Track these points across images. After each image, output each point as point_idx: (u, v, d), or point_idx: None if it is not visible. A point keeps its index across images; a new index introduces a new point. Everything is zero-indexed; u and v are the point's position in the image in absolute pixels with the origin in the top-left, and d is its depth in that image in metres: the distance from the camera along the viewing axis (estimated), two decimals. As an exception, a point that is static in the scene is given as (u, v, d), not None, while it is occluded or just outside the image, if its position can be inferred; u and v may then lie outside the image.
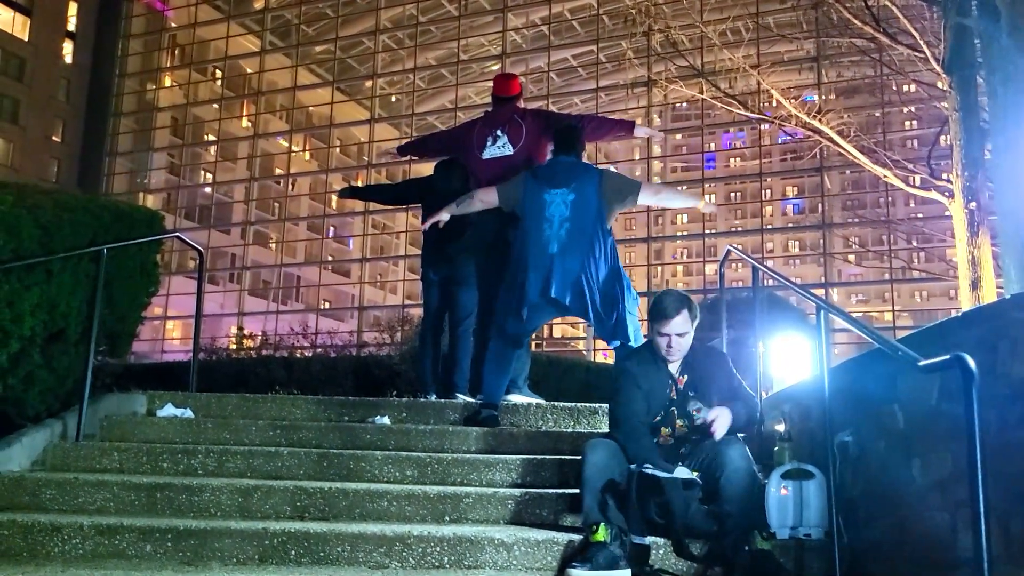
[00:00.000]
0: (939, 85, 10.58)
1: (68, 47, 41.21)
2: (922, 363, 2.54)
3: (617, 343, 4.78)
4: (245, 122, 40.23)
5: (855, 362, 3.65)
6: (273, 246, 40.19)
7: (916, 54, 10.04)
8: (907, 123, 36.02)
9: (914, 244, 29.36)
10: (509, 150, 5.59)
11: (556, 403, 5.26)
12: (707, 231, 35.35)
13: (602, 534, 3.23)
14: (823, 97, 25.01)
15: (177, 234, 6.94)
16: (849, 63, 23.51)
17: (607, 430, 3.98)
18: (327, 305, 41.52)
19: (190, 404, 5.21)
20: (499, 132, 5.65)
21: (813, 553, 3.39)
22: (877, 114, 26.41)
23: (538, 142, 5.58)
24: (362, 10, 36.82)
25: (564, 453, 4.37)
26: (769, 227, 48.06)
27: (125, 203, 6.42)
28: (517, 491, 3.85)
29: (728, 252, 5.59)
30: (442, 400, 5.60)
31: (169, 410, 5.10)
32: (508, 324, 4.91)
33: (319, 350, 15.75)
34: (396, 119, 36.99)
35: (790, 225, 56.52)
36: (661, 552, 3.36)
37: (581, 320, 5.35)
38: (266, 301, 38.45)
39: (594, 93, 32.39)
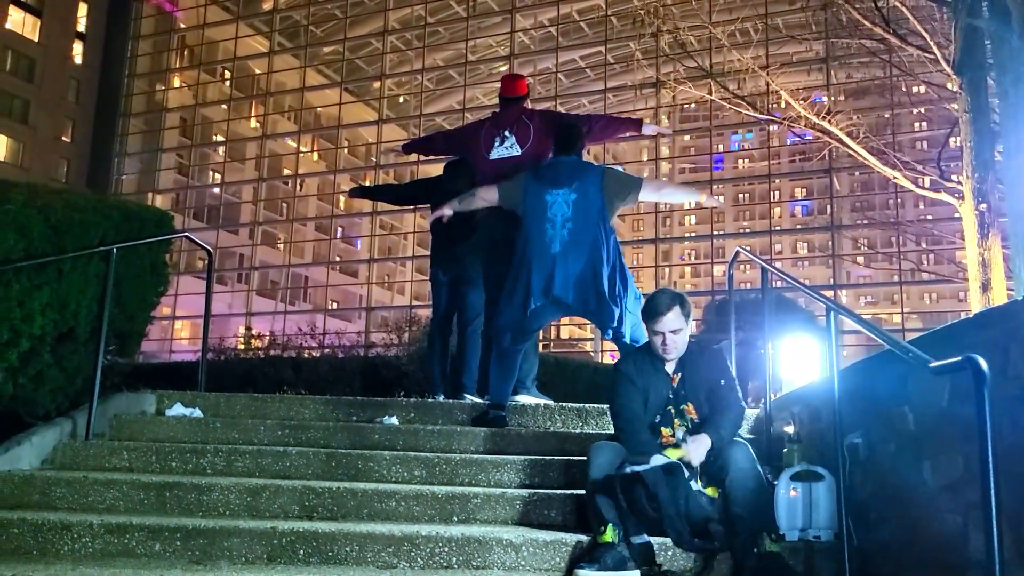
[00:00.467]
0: (949, 86, 10.54)
1: (78, 48, 41.37)
2: (933, 364, 2.53)
3: (611, 334, 4.78)
4: (253, 123, 40.29)
5: (865, 364, 3.64)
6: (281, 246, 40.27)
7: (926, 55, 10.00)
8: (917, 124, 35.96)
9: (923, 246, 29.20)
10: (516, 151, 5.59)
11: (564, 404, 5.26)
12: (715, 232, 35.27)
13: (610, 535, 3.23)
14: (832, 98, 24.93)
15: (186, 234, 6.96)
16: (858, 64, 23.45)
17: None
18: (335, 306, 41.59)
19: (199, 404, 5.23)
20: (506, 133, 5.65)
21: (823, 555, 3.38)
22: (887, 115, 26.29)
23: (545, 143, 5.56)
24: (370, 11, 36.84)
25: (572, 454, 4.36)
26: (778, 228, 48.07)
27: (135, 203, 6.44)
28: (525, 492, 3.85)
29: (737, 253, 5.58)
30: (450, 401, 5.60)
31: (178, 409, 5.12)
32: (511, 324, 4.91)
33: (327, 350, 15.81)
34: (404, 120, 37.02)
35: (799, 227, 56.51)
36: (670, 553, 3.35)
37: (588, 321, 5.35)
38: (274, 301, 38.51)
39: (602, 94, 32.31)
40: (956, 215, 9.54)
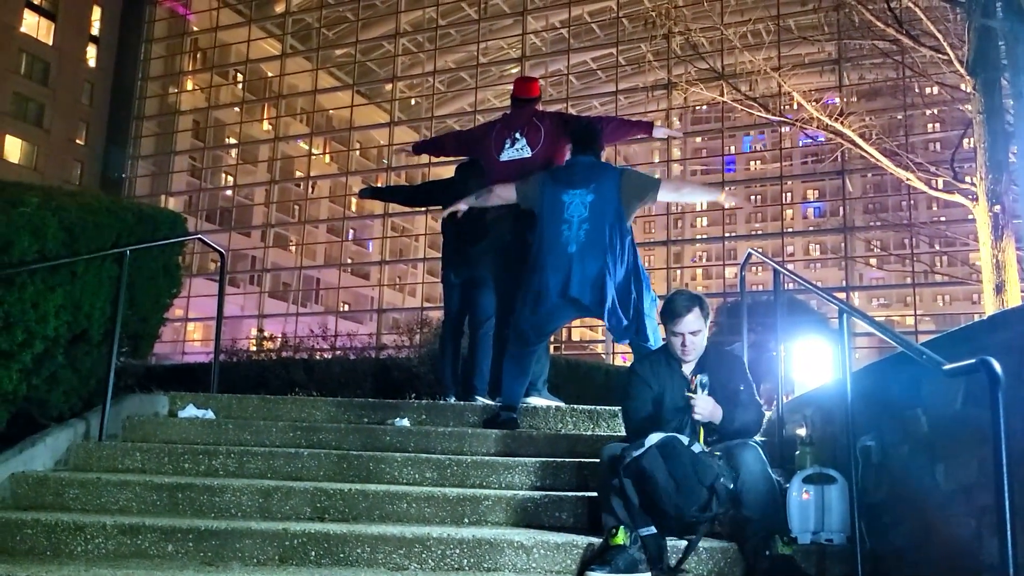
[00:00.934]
0: (963, 87, 10.49)
1: (92, 51, 41.63)
2: (947, 367, 2.52)
3: (626, 340, 4.78)
4: (266, 125, 40.46)
5: (878, 366, 3.62)
6: (293, 248, 40.41)
7: (939, 56, 9.95)
8: (930, 126, 35.78)
9: (937, 248, 29.07)
10: (527, 153, 5.58)
11: (575, 406, 5.26)
12: (727, 234, 35.17)
13: (622, 537, 3.22)
14: (845, 100, 24.83)
15: (199, 236, 6.98)
16: (871, 65, 23.33)
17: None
18: (346, 307, 41.69)
19: (211, 405, 5.24)
20: (517, 135, 5.64)
21: (835, 558, 3.36)
22: (899, 117, 26.19)
23: (556, 145, 5.56)
24: (382, 14, 36.96)
25: (583, 456, 4.36)
26: (790, 230, 47.87)
27: (148, 205, 6.47)
28: (536, 494, 3.84)
29: (749, 255, 5.57)
30: (461, 402, 5.60)
31: (191, 411, 5.13)
32: (526, 325, 4.91)
33: (339, 352, 15.83)
34: (415, 122, 37.09)
35: (811, 228, 56.27)
36: (693, 559, 3.34)
37: (600, 323, 5.34)
38: (286, 303, 38.63)
39: (613, 96, 32.32)
40: (970, 217, 9.50)
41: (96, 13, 41.79)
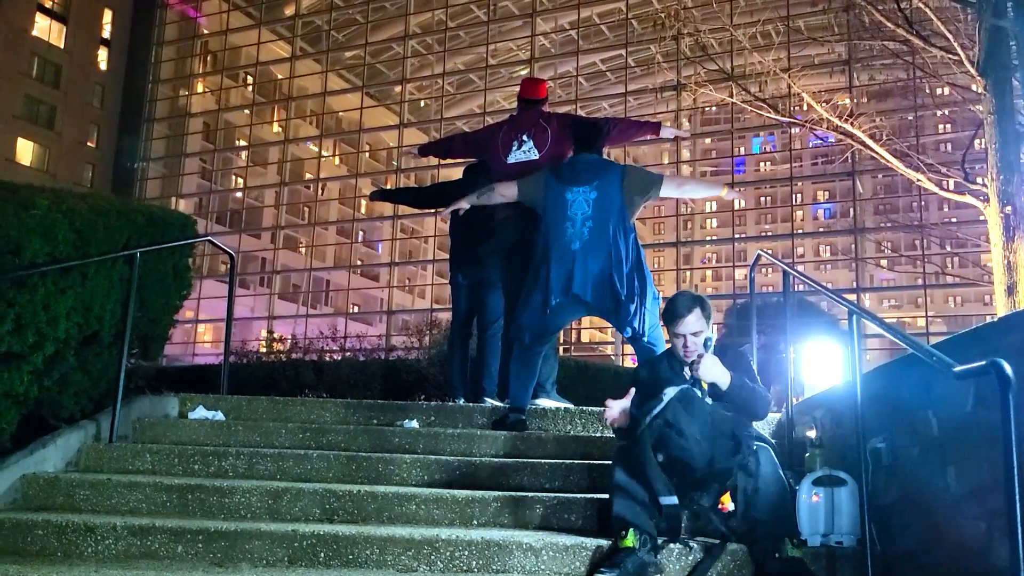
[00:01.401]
0: (974, 88, 10.46)
1: (103, 54, 41.82)
2: (957, 369, 2.51)
3: (630, 336, 4.77)
4: (276, 127, 40.57)
5: (888, 368, 3.61)
6: (303, 250, 40.48)
7: (950, 56, 9.91)
8: (941, 126, 35.62)
9: (948, 249, 28.95)
10: (535, 155, 5.58)
11: (584, 408, 5.25)
12: (737, 236, 35.11)
13: (631, 540, 3.21)
14: (855, 100, 24.74)
15: (209, 238, 7.02)
16: (881, 66, 23.27)
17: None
18: (356, 309, 41.74)
19: (221, 407, 5.26)
20: (524, 137, 5.64)
21: (845, 561, 3.35)
22: (910, 117, 26.10)
23: (564, 146, 5.55)
24: (391, 16, 37.01)
25: (593, 458, 4.36)
26: (800, 231, 47.72)
27: (158, 207, 6.48)
28: (545, 495, 3.84)
29: (758, 257, 5.55)
30: (470, 404, 5.60)
31: (200, 412, 5.15)
32: (531, 324, 4.91)
33: (348, 354, 15.84)
34: (425, 124, 37.12)
35: (821, 230, 56.07)
36: (691, 557, 3.33)
37: (608, 324, 5.34)
38: (296, 305, 38.69)
39: (623, 97, 32.29)
40: (981, 218, 9.45)
41: (107, 16, 41.99)
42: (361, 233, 43.05)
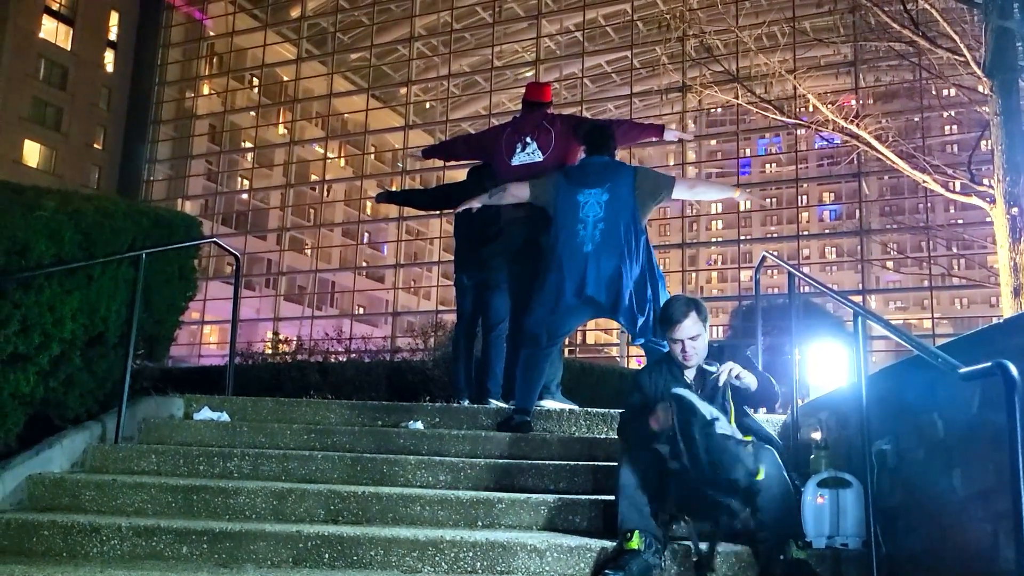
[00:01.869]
0: (980, 89, 10.40)
1: (109, 56, 41.94)
2: (963, 370, 2.50)
3: (642, 339, 4.76)
4: (281, 129, 40.63)
5: (893, 369, 3.60)
6: (308, 252, 40.55)
7: (956, 58, 9.88)
8: (947, 128, 35.52)
9: (954, 250, 28.89)
10: (539, 157, 5.56)
11: (589, 409, 5.25)
12: (742, 237, 35.02)
13: (636, 542, 3.21)
14: (860, 102, 24.71)
15: (214, 239, 7.04)
16: (887, 67, 23.24)
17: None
18: (361, 310, 41.80)
19: (226, 408, 5.27)
20: (528, 139, 5.62)
21: (850, 563, 3.34)
22: (916, 119, 26.04)
23: (568, 148, 5.55)
24: (397, 18, 37.05)
25: (598, 459, 4.35)
26: (805, 233, 47.69)
27: (164, 209, 6.50)
28: (550, 497, 3.83)
29: (764, 258, 5.55)
30: (475, 405, 5.60)
31: (206, 413, 5.16)
32: (542, 326, 4.90)
33: (353, 355, 15.82)
34: (430, 125, 37.14)
35: (827, 231, 55.95)
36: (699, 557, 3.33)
37: (615, 326, 5.34)
38: (301, 306, 38.75)
39: (628, 99, 32.27)
40: (987, 219, 9.43)
41: (114, 19, 42.10)
42: (366, 235, 43.04)
